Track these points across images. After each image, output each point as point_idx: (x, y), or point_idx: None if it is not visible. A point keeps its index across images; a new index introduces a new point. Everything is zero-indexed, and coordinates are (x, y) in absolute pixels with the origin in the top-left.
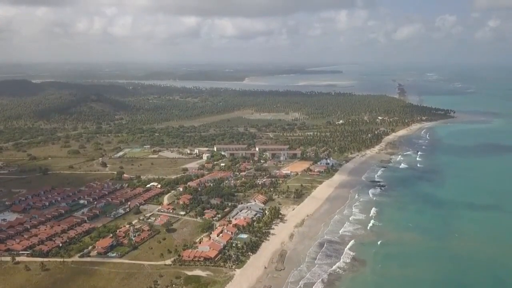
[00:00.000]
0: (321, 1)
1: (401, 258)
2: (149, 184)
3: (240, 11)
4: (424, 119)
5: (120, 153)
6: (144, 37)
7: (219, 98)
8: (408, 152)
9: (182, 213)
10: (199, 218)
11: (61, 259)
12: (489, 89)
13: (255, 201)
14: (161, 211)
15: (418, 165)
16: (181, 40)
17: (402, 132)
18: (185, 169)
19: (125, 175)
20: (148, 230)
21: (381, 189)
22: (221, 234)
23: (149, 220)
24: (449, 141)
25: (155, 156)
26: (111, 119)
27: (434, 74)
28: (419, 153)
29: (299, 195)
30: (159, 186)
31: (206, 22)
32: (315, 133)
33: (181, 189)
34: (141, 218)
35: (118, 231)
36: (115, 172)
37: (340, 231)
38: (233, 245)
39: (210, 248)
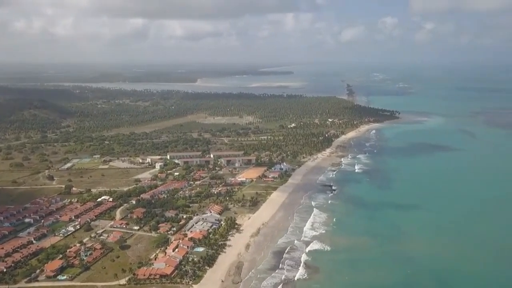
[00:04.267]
0: (267, 5)
1: (354, 263)
2: (100, 198)
3: (187, 13)
4: (372, 120)
5: (68, 165)
6: (89, 37)
7: (171, 101)
8: (358, 155)
9: (136, 227)
10: (153, 232)
11: (6, 286)
12: (429, 89)
13: (210, 212)
14: (114, 227)
15: (367, 167)
16: (129, 40)
17: (351, 134)
18: (138, 180)
19: (74, 188)
20: (100, 248)
21: (332, 192)
22: (176, 249)
23: (101, 237)
24: (395, 142)
25: (106, 166)
26: (57, 127)
27: (380, 74)
28: (368, 155)
29: (255, 203)
30: (110, 199)
31: (154, 23)
32: (269, 137)
33: (134, 202)
34: (92, 235)
35: (68, 251)
36: (63, 186)
37: (294, 238)
38: (190, 259)
39: (166, 264)
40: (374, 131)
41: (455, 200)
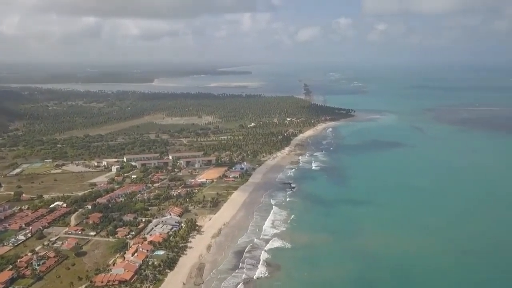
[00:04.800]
0: (224, 5)
1: (314, 259)
2: (53, 204)
3: (142, 12)
4: (329, 119)
5: (17, 170)
6: (37, 36)
7: (127, 102)
8: (316, 153)
9: (92, 233)
10: (111, 237)
11: None
12: (382, 88)
13: (170, 214)
14: (69, 233)
15: (324, 164)
16: (81, 40)
17: (309, 132)
18: (93, 184)
19: (24, 195)
20: (54, 257)
21: (292, 190)
22: (136, 253)
23: (55, 244)
24: (351, 139)
25: (59, 171)
26: (4, 131)
27: (335, 73)
28: (325, 152)
29: (216, 204)
30: (64, 205)
31: (107, 22)
32: (229, 137)
33: (89, 207)
34: (45, 243)
35: (18, 261)
36: (12, 193)
37: (255, 237)
38: (150, 263)
39: (125, 269)
40: (330, 129)
41: (409, 194)
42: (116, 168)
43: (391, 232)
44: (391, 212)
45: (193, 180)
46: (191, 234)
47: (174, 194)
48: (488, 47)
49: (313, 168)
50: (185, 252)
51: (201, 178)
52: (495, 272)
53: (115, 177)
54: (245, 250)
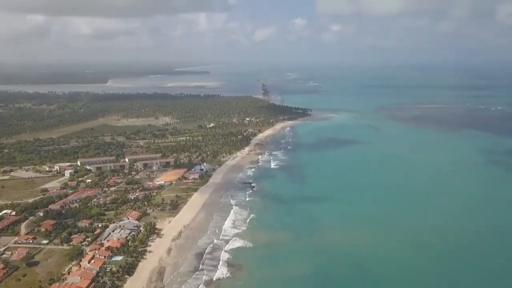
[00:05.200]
0: (180, 4)
1: (276, 257)
2: (0, 212)
3: (94, 11)
4: (287, 118)
5: None
6: None
7: (80, 104)
8: (275, 152)
9: (45, 241)
10: (65, 245)
11: None
12: (337, 87)
13: (128, 219)
14: (19, 243)
15: (283, 163)
16: (28, 39)
17: (268, 132)
18: (45, 190)
19: None
20: (3, 268)
21: (252, 190)
22: (92, 260)
23: (4, 255)
24: (308, 138)
25: (6, 177)
26: None
27: (292, 73)
28: (283, 151)
29: (175, 206)
30: (13, 213)
31: (57, 20)
32: (188, 138)
33: (41, 214)
34: None
35: None
36: None
37: (216, 238)
38: (107, 270)
39: (81, 278)
40: (288, 129)
41: (365, 190)
42: (70, 173)
43: (349, 227)
44: (348, 208)
45: (151, 183)
46: (151, 238)
47: (132, 198)
48: (434, 47)
49: (273, 167)
50: (144, 257)
51: (160, 180)
52: (446, 261)
53: (69, 182)
54: (206, 252)
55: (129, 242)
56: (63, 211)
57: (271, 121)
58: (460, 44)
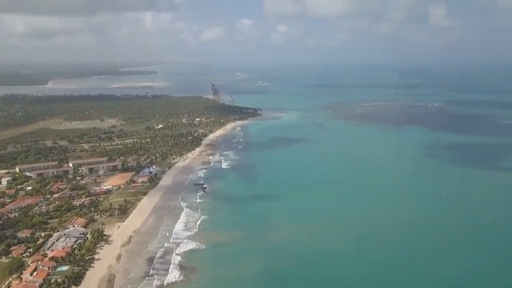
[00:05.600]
0: (124, 3)
1: (229, 257)
2: None
3: (30, 9)
4: (237, 118)
5: None
6: None
7: (17, 107)
8: (226, 152)
9: None
10: (4, 257)
11: None
12: (285, 87)
13: (74, 226)
14: None
15: (234, 163)
16: None
17: (219, 132)
18: None
19: None
20: None
21: (204, 191)
22: (35, 272)
23: None
24: (259, 137)
25: None
26: None
27: (241, 73)
28: (234, 151)
29: (124, 211)
30: None
31: None
32: (135, 140)
33: None
34: None
35: None
36: None
37: (167, 242)
38: (52, 281)
39: None
40: (239, 128)
41: (314, 187)
42: (7, 180)
43: (299, 224)
44: (298, 205)
45: (97, 188)
46: (99, 245)
47: (77, 204)
48: (376, 48)
49: (224, 167)
50: (92, 265)
51: (107, 185)
52: (393, 253)
53: (6, 191)
54: (157, 256)
55: (76, 251)
56: (1, 222)
57: (221, 121)
58: (398, 45)
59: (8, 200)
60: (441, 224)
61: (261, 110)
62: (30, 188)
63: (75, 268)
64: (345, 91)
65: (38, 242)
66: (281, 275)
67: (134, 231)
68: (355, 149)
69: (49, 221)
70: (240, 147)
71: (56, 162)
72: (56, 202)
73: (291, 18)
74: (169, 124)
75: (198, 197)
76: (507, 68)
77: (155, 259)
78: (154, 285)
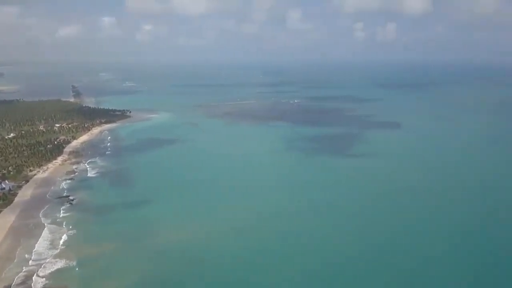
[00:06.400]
0: None
1: (106, 271)
2: None
3: None
4: (104, 121)
5: None
6: None
7: None
8: (93, 159)
9: None
10: None
11: None
12: (155, 87)
13: None
14: None
15: (103, 170)
16: None
17: (84, 138)
18: None
19: None
20: None
21: (71, 204)
22: None
23: None
24: (130, 140)
25: None
26: None
27: (106, 73)
28: (103, 157)
29: None
30: None
31: None
32: None
33: None
34: None
35: None
36: None
37: (27, 265)
38: None
39: None
40: (107, 132)
41: (192, 187)
42: None
43: (180, 225)
44: (176, 206)
45: None
46: None
47: None
48: (242, 47)
49: (92, 175)
50: None
51: None
52: (269, 242)
53: None
54: (14, 283)
55: None
56: None
57: (86, 125)
58: (262, 45)
59: None
60: (310, 208)
61: (130, 112)
62: None
63: None
64: (214, 90)
65: None
66: (167, 279)
67: None
68: (228, 146)
69: None
70: (108, 152)
71: None
72: None
73: (156, 16)
74: (23, 132)
75: (62, 211)
76: (355, 66)
77: (17, 285)
78: None
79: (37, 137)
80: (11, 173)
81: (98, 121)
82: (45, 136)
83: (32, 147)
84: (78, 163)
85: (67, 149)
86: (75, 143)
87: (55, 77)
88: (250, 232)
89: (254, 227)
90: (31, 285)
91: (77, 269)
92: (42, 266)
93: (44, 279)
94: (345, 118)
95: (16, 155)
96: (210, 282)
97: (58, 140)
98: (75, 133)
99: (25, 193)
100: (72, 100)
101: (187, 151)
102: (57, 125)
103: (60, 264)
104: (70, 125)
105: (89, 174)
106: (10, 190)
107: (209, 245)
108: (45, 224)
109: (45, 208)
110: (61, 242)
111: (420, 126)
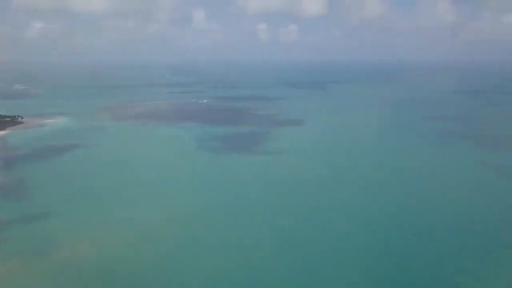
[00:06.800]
0: None
1: None
2: None
3: None
4: None
5: None
6: None
7: None
8: None
9: None
10: None
11: None
12: (52, 89)
13: None
14: None
15: None
16: None
17: None
18: None
19: None
20: None
21: None
22: None
23: None
24: (25, 149)
25: None
26: None
27: None
28: None
29: None
30: None
31: None
32: None
33: None
34: None
35: None
36: None
37: None
38: None
39: None
40: None
41: (99, 196)
42: None
43: (84, 237)
44: (80, 217)
45: None
46: None
47: None
48: (147, 47)
49: None
50: None
51: None
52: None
53: None
54: None
55: None
56: None
57: None
58: (167, 45)
59: None
60: (221, 207)
61: (22, 118)
62: None
63: None
64: (119, 91)
65: None
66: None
67: None
68: (135, 150)
69: None
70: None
71: None
72: None
73: (48, 13)
74: None
75: None
76: (261, 66)
77: None
78: None
79: None
80: None
81: None
82: None
83: None
84: None
85: None
86: None
87: None
88: (161, 236)
89: (165, 231)
90: None
91: None
92: None
93: None
94: (254, 117)
95: None
96: None
97: None
98: None
99: None
100: None
101: (91, 157)
102: None
103: None
104: None
105: None
106: None
107: (118, 255)
108: None
109: None
110: None
111: (321, 121)
